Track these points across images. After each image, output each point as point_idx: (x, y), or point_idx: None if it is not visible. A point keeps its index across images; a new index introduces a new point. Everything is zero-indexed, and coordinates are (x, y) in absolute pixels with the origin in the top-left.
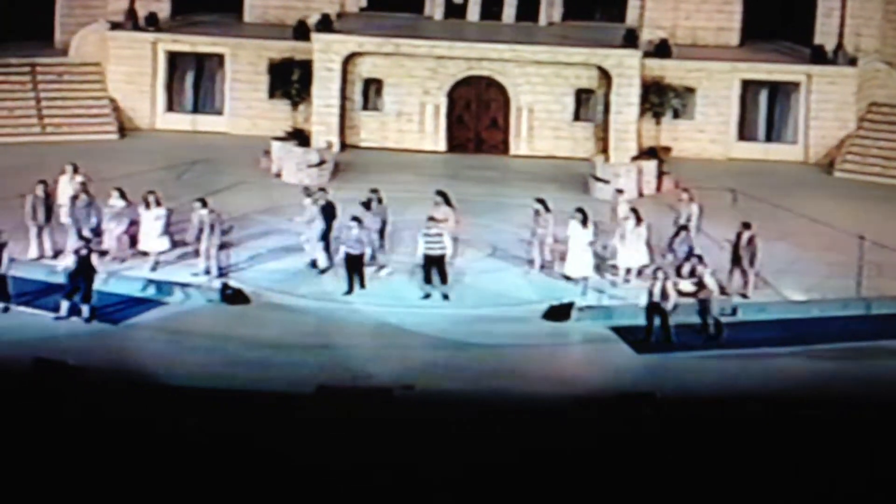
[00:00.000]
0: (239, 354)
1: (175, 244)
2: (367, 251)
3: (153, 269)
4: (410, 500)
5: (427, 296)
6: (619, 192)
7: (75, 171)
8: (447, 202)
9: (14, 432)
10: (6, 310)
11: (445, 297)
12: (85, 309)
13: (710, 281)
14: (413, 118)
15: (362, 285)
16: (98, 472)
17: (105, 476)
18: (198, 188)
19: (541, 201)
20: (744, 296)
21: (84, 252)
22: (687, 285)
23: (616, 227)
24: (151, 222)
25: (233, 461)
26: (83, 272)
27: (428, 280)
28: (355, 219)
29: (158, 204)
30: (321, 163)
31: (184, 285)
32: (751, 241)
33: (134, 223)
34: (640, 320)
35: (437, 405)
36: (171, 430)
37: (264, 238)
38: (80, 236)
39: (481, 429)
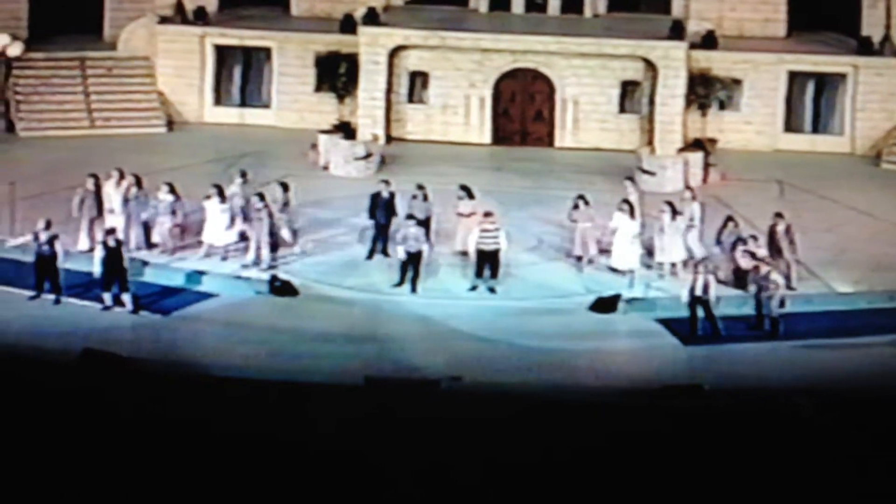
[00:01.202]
0: (287, 346)
1: (242, 237)
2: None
3: (223, 258)
4: (456, 493)
5: (474, 288)
6: (630, 179)
7: (121, 176)
8: (469, 195)
9: (62, 422)
10: (57, 301)
11: (492, 290)
12: (127, 300)
13: (776, 276)
14: (458, 111)
15: (414, 289)
16: (146, 460)
17: (153, 465)
18: (246, 182)
19: (580, 197)
20: (790, 287)
21: (112, 243)
22: (747, 261)
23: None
24: (217, 215)
25: (280, 452)
26: (113, 263)
27: (479, 274)
28: (411, 216)
29: (223, 197)
30: (368, 155)
31: (234, 278)
32: (788, 230)
33: (179, 215)
34: (687, 313)
35: (484, 398)
36: (217, 420)
37: (312, 231)
38: (108, 229)
39: (528, 421)
